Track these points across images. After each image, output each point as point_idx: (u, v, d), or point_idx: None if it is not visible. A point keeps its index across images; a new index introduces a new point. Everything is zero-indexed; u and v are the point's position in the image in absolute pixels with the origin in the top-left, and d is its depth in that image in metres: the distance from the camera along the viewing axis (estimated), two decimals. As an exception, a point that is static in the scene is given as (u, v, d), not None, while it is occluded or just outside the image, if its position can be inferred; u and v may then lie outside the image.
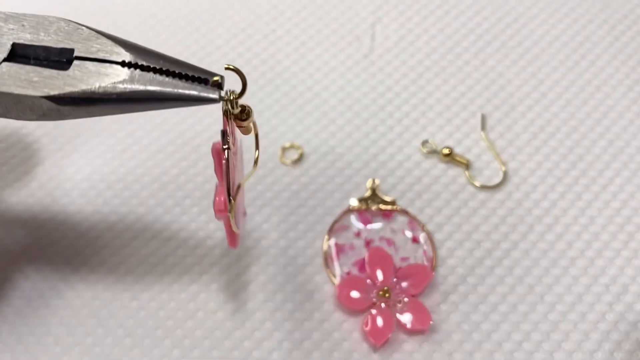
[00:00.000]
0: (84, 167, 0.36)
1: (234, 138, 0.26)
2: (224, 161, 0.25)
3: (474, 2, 0.43)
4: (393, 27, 0.42)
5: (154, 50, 0.24)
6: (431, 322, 0.31)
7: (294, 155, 0.37)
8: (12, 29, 0.24)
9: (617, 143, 0.37)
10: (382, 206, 0.35)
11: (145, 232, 0.34)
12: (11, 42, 0.24)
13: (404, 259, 0.33)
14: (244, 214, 0.32)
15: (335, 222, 0.34)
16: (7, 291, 0.32)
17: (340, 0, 0.43)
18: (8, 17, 0.25)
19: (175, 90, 0.23)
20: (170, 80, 0.23)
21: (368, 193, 0.35)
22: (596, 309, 0.32)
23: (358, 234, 0.34)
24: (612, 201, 0.35)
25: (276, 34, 0.41)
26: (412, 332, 0.31)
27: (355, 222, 0.34)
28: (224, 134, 0.25)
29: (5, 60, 0.24)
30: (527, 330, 0.32)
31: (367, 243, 0.34)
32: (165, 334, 0.31)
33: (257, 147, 0.27)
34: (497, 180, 0.36)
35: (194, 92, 0.23)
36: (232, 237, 0.29)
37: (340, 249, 0.33)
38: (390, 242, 0.34)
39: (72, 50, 0.24)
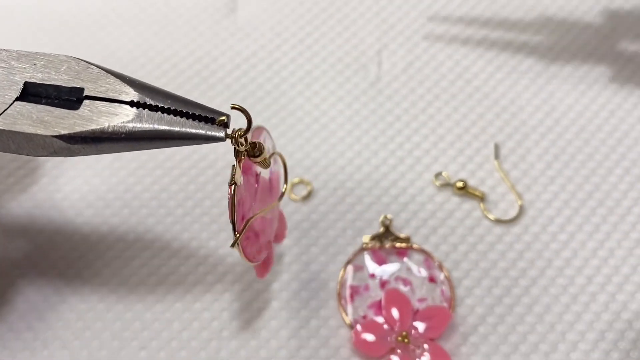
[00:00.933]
0: (88, 176, 0.36)
1: (251, 173, 0.27)
2: (229, 196, 0.25)
3: (482, 26, 0.42)
4: (400, 54, 0.40)
5: (161, 89, 0.25)
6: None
7: (303, 191, 0.36)
8: (24, 68, 0.25)
9: (634, 170, 0.36)
10: (397, 244, 0.34)
11: (147, 237, 0.34)
12: (23, 81, 0.24)
13: (421, 300, 0.32)
14: (269, 242, 0.31)
15: (349, 262, 0.33)
16: (11, 296, 0.32)
17: (344, 27, 0.42)
18: (20, 56, 0.25)
19: (183, 129, 0.24)
20: (178, 120, 0.24)
21: (381, 230, 0.34)
22: (620, 347, 0.31)
23: (372, 275, 0.33)
24: (631, 232, 0.34)
25: (280, 63, 0.40)
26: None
27: (369, 262, 0.33)
28: (232, 169, 0.25)
29: (17, 99, 0.24)
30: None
31: (382, 284, 0.33)
32: (172, 335, 0.32)
33: (285, 181, 0.30)
34: (513, 213, 0.35)
35: (200, 132, 0.24)
36: (258, 268, 0.30)
37: (354, 290, 0.32)
38: (406, 282, 0.33)
39: (82, 90, 0.24)
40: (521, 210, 0.35)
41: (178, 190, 0.36)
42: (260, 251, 0.29)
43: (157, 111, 0.24)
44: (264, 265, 0.30)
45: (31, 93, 0.24)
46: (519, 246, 0.34)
